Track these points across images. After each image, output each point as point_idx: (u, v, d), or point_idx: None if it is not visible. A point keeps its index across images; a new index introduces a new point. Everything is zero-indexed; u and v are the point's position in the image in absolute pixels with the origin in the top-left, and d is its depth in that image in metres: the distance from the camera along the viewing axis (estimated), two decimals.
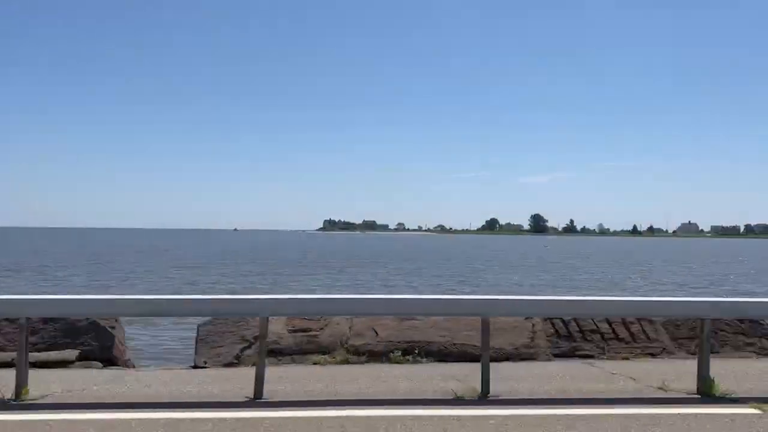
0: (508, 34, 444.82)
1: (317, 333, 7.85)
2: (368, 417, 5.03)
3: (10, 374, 5.79)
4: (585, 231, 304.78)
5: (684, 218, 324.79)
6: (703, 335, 6.10)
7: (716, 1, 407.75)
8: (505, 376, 6.53)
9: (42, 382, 6.06)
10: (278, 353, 7.53)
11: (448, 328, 7.92)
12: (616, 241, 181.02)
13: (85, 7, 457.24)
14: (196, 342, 7.80)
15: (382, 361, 7.55)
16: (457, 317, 7.70)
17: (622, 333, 8.09)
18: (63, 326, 7.53)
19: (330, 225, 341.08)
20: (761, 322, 8.23)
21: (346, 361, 7.48)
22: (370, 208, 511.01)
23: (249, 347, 7.51)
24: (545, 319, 8.06)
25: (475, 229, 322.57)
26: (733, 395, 5.87)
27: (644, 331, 8.10)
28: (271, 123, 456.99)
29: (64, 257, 46.27)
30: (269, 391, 5.81)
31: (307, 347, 7.68)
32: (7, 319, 7.08)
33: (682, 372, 6.72)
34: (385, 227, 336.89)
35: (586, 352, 7.88)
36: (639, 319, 8.15)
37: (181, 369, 7.51)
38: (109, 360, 7.51)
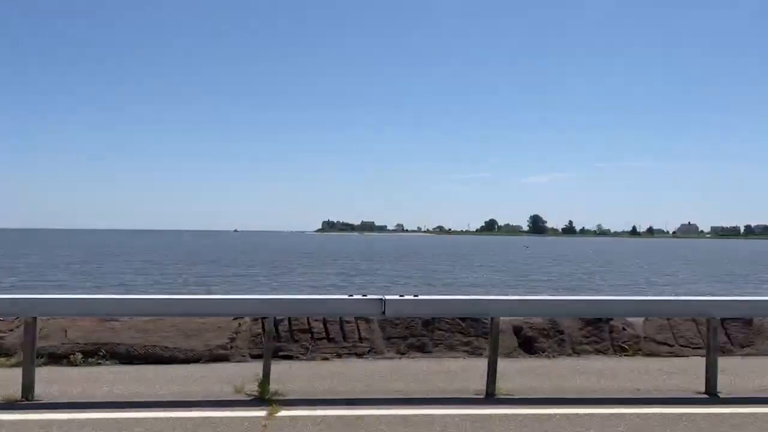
0: (508, 34, 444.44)
1: (5, 334, 7.50)
2: None
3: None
4: (584, 232, 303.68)
5: (684, 219, 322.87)
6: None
7: (715, 1, 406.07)
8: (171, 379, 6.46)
9: None
10: None
11: (146, 330, 7.56)
12: (608, 241, 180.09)
13: (86, 7, 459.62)
14: None
15: (62, 364, 7.20)
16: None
17: (335, 333, 7.71)
18: None
19: (328, 226, 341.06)
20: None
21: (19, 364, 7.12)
22: (370, 208, 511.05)
23: None
24: (255, 319, 7.69)
25: (474, 230, 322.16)
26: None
27: (359, 330, 7.72)
28: (271, 123, 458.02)
29: None
30: None
31: None
32: None
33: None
34: (383, 228, 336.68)
35: (288, 353, 7.49)
36: (357, 319, 7.78)
37: None
38: None
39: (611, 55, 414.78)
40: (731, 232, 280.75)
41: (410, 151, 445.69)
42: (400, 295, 6.17)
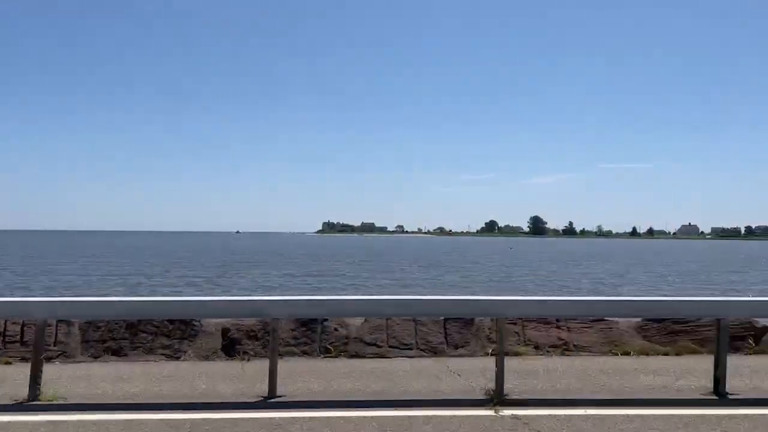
0: (512, 36, 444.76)
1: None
2: None
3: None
4: (584, 233, 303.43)
5: (685, 220, 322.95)
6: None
7: (715, 5, 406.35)
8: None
9: None
10: None
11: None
12: (605, 242, 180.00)
13: (87, 8, 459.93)
14: None
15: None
16: None
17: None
18: None
19: (329, 227, 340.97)
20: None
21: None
22: (371, 209, 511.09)
23: None
24: None
25: (475, 231, 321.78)
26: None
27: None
28: (272, 124, 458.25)
29: None
30: None
31: None
32: None
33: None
34: (384, 229, 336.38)
35: None
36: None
37: None
38: None
39: (612, 56, 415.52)
40: (732, 233, 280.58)
41: (412, 152, 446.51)
42: None
